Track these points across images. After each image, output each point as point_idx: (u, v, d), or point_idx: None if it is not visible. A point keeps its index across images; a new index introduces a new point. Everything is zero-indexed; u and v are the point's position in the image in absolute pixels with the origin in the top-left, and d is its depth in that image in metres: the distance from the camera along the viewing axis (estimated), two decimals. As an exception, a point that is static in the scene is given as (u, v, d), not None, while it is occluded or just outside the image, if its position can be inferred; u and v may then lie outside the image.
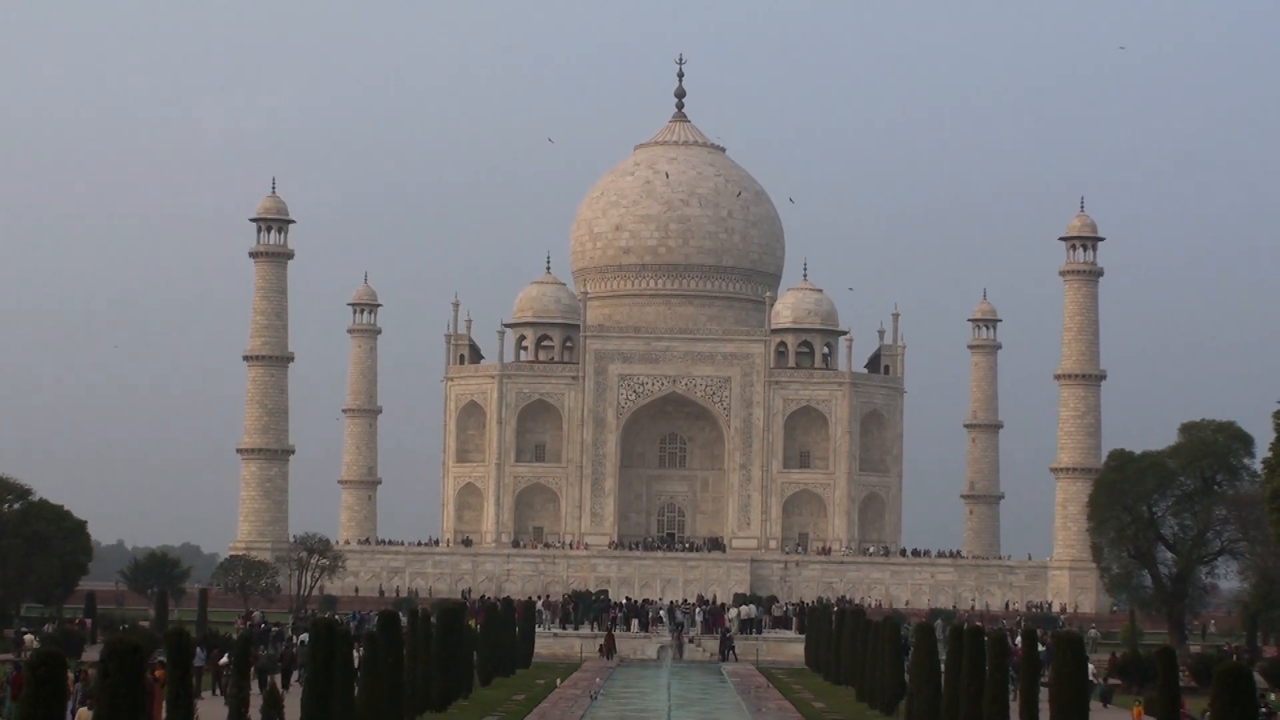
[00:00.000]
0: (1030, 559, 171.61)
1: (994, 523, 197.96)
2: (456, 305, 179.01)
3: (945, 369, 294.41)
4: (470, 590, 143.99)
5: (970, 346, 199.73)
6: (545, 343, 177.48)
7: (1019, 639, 59.00)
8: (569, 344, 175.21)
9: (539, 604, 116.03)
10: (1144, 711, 58.35)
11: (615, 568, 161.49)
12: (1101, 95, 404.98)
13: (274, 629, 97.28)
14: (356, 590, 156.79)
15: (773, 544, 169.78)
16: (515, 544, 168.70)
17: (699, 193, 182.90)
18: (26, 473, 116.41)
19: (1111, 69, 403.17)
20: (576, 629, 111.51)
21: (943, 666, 51.19)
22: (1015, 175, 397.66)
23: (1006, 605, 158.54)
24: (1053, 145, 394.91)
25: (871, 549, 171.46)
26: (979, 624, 56.75)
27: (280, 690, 41.03)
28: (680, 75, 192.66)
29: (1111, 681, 72.02)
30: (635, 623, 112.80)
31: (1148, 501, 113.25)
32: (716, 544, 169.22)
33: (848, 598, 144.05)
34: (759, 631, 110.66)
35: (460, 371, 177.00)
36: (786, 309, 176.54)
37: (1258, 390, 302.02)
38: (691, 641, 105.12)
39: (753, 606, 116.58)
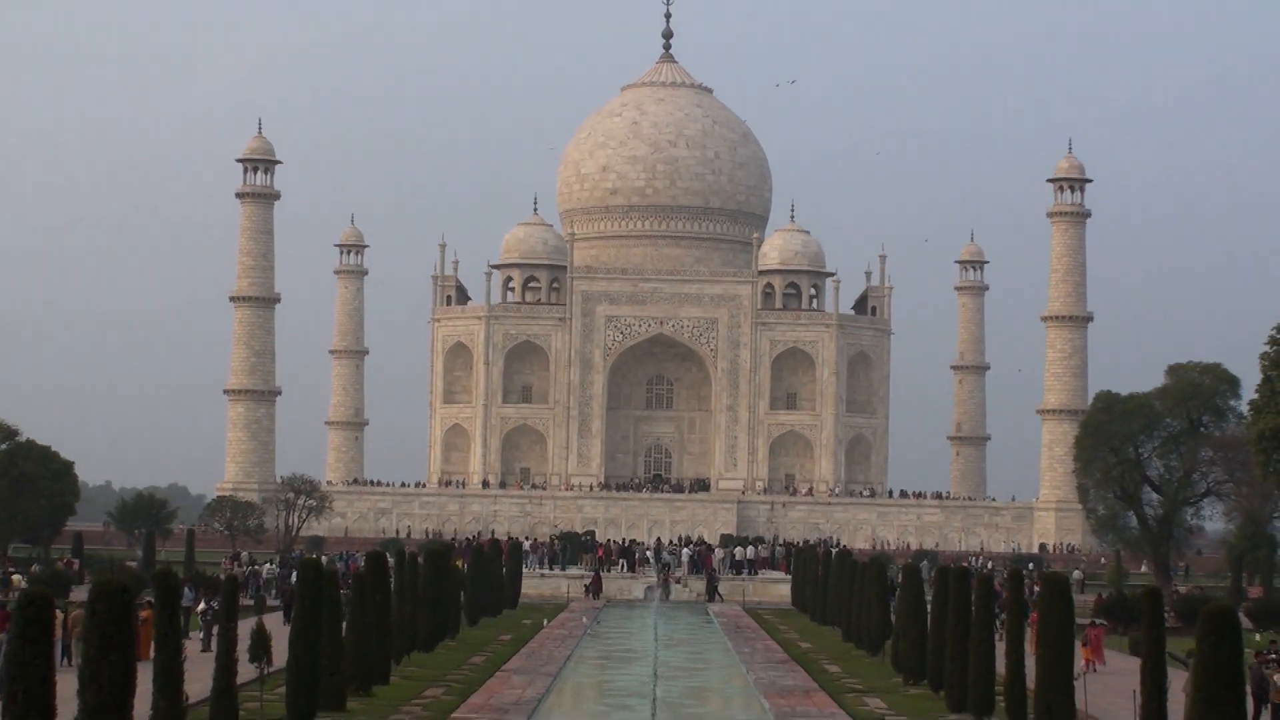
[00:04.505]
0: (1015, 500, 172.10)
1: (980, 464, 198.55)
2: (443, 246, 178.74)
3: (932, 311, 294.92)
4: (490, 532, 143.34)
5: (957, 288, 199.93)
6: (532, 284, 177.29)
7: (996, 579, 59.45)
8: (556, 285, 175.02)
9: (526, 545, 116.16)
10: (1095, 646, 58.59)
11: (602, 508, 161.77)
12: (1090, 36, 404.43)
13: (259, 566, 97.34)
14: (345, 531, 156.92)
15: (759, 485, 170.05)
16: (502, 485, 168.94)
17: (686, 134, 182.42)
18: (13, 413, 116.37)
19: (1100, 10, 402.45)
20: (564, 569, 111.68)
21: (929, 607, 51.30)
22: (1003, 117, 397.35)
23: (1015, 547, 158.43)
24: (1041, 87, 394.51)
25: (858, 490, 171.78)
26: (964, 564, 57.00)
27: (267, 631, 41.10)
28: (667, 16, 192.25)
29: (1099, 622, 72.22)
30: (623, 563, 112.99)
31: (1134, 443, 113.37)
32: (703, 485, 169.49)
33: (835, 539, 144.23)
34: (754, 572, 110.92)
35: (447, 313, 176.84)
36: (774, 250, 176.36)
37: (1245, 332, 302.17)
38: (678, 582, 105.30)
39: (752, 547, 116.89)
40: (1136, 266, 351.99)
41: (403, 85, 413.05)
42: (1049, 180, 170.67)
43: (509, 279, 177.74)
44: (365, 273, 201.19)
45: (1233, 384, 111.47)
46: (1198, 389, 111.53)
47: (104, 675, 28.15)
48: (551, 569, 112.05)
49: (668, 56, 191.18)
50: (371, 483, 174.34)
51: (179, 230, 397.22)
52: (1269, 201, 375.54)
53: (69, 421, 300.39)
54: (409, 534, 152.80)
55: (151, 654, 32.13)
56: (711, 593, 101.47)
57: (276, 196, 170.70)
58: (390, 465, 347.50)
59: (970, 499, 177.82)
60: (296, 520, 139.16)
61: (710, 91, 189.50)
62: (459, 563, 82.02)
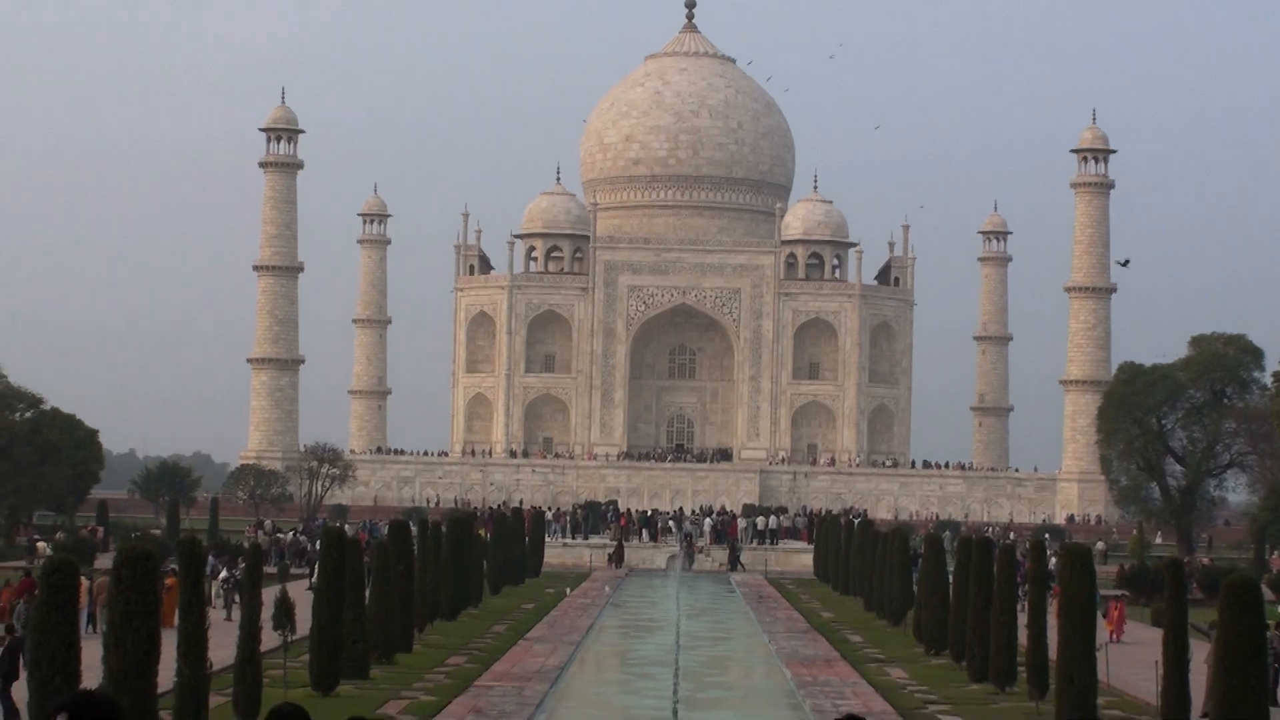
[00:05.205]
0: (1037, 471, 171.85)
1: (1003, 435, 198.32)
2: (466, 216, 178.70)
3: (955, 281, 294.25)
4: (519, 501, 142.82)
5: (980, 259, 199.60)
6: (555, 253, 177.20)
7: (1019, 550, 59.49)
8: (579, 255, 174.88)
9: (548, 514, 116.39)
10: (1117, 621, 58.64)
11: (625, 478, 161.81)
12: (1114, 6, 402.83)
13: (283, 535, 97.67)
14: (374, 500, 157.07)
15: (782, 455, 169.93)
16: (525, 454, 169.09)
17: (709, 104, 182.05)
18: (38, 381, 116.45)
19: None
20: (586, 539, 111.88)
21: (951, 578, 51.36)
22: (1027, 87, 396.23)
23: (1044, 520, 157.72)
24: (1065, 57, 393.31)
25: (881, 460, 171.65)
26: (986, 534, 57.01)
27: (291, 599, 41.21)
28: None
29: (1120, 593, 72.27)
30: (645, 533, 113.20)
31: (1157, 414, 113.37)
32: (725, 455, 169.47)
33: (857, 509, 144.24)
34: (776, 542, 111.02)
35: (470, 282, 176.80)
36: (796, 220, 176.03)
37: (1269, 303, 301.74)
38: (701, 552, 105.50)
39: (774, 517, 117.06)
40: (1160, 237, 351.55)
41: (426, 54, 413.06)
42: (1072, 151, 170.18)
43: (532, 248, 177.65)
44: (388, 242, 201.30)
45: (1256, 355, 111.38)
46: (1221, 360, 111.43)
47: (128, 642, 28.31)
48: (574, 538, 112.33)
49: (691, 26, 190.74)
50: (394, 452, 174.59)
51: (203, 199, 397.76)
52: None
53: (93, 390, 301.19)
54: (437, 503, 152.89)
55: (175, 621, 32.31)
56: (734, 562, 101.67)
57: (300, 166, 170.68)
58: (413, 434, 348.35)
59: (993, 470, 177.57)
60: (320, 489, 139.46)
61: (733, 61, 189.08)
62: (482, 532, 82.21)
